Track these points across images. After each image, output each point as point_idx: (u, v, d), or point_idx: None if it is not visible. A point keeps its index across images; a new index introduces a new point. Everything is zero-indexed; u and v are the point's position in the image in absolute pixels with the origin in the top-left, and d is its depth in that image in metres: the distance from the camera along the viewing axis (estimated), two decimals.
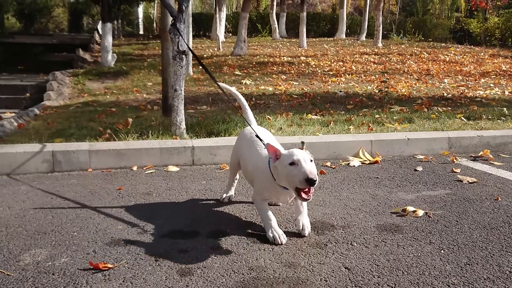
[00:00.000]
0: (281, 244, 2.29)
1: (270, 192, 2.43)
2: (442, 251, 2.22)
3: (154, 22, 23.86)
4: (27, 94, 8.30)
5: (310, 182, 2.10)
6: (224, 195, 2.97)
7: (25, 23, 22.60)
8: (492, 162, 4.02)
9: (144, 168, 3.77)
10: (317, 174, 2.18)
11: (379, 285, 1.89)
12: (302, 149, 2.32)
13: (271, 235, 2.32)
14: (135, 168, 3.76)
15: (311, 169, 2.14)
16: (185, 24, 4.18)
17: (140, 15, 24.59)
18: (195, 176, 3.57)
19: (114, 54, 11.04)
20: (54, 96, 7.39)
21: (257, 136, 2.63)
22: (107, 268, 2.00)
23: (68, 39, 16.19)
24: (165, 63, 5.13)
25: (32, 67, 11.56)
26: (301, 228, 2.39)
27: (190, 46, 9.19)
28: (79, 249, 2.21)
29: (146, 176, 3.57)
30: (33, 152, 3.61)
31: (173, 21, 4.02)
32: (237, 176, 3.03)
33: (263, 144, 2.54)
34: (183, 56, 4.10)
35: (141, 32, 23.34)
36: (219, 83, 3.04)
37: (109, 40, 10.48)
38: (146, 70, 9.60)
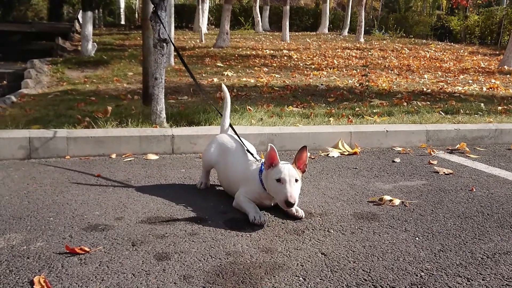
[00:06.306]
0: (262, 224, 2.33)
1: (256, 197, 2.52)
2: (417, 238, 2.25)
3: (136, 13, 23.59)
4: (4, 81, 8.13)
5: (288, 204, 2.28)
6: (201, 182, 2.99)
7: (3, 11, 22.17)
8: (468, 155, 4.10)
9: (123, 156, 3.74)
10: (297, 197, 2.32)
11: (354, 270, 1.91)
12: (304, 151, 2.40)
13: (252, 216, 2.36)
14: (114, 155, 3.72)
15: (292, 192, 2.28)
16: (166, 12, 4.15)
17: (122, 5, 24.32)
18: (174, 164, 3.55)
19: (95, 43, 10.89)
20: (32, 84, 7.26)
21: (248, 151, 2.72)
22: (83, 252, 1.98)
23: (48, 27, 15.90)
24: (146, 52, 5.08)
25: (10, 55, 11.29)
26: (294, 212, 2.47)
27: (172, 37, 9.12)
28: (55, 234, 2.18)
29: (125, 163, 3.54)
30: (9, 139, 3.55)
31: (154, 9, 3.98)
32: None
33: (254, 157, 2.66)
34: (164, 44, 4.07)
35: (123, 22, 23.07)
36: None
37: (89, 29, 10.32)
38: (127, 60, 9.49)
